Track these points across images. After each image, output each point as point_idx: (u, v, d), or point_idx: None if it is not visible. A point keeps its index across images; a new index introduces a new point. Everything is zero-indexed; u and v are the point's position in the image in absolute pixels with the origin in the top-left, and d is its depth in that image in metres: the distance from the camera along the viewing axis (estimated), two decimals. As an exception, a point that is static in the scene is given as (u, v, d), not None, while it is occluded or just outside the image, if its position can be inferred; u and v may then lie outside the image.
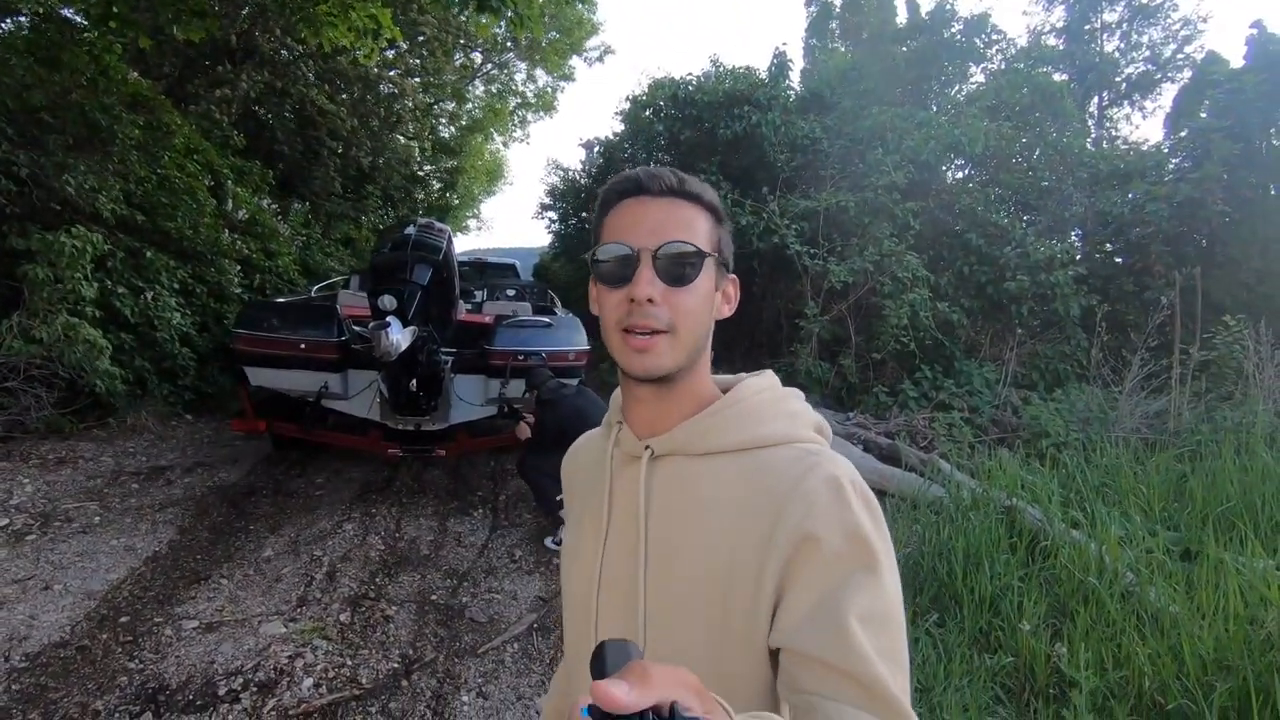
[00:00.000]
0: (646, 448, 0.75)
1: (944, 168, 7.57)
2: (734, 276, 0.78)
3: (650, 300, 0.68)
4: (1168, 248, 6.75)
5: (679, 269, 0.69)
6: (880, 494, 4.47)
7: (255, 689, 2.54)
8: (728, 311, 0.78)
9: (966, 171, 8.36)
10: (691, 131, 8.62)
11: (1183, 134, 8.17)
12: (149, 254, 5.99)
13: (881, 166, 6.79)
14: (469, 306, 6.35)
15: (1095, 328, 5.98)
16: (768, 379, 0.79)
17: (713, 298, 0.74)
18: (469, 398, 4.55)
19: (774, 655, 0.66)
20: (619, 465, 0.78)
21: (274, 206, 9.66)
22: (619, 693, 0.34)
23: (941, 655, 2.60)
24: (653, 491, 0.74)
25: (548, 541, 3.95)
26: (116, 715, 2.38)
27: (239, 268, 7.33)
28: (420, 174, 17.40)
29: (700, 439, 0.73)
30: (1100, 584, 2.77)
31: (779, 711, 0.70)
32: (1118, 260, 7.50)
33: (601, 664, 0.39)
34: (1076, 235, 7.90)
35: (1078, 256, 6.90)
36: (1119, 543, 3.08)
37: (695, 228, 0.72)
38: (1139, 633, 2.48)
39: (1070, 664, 2.35)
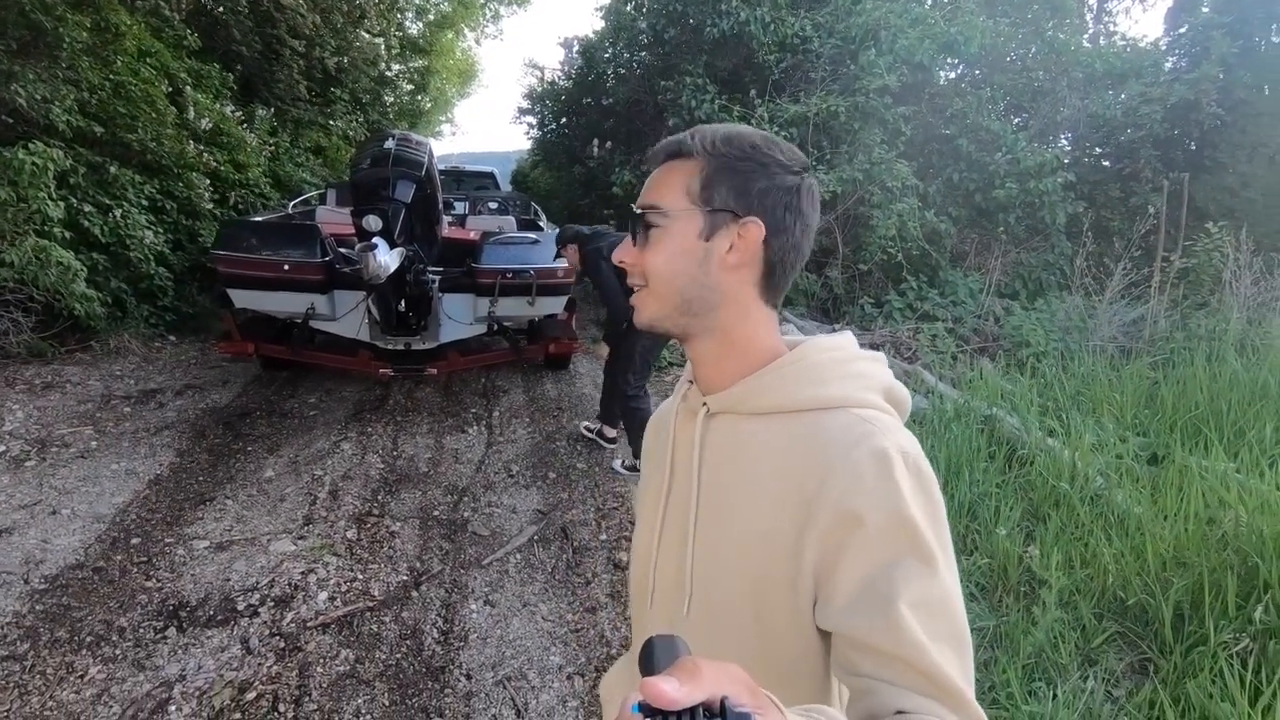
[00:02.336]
0: (704, 404, 0.75)
1: (937, 69, 7.31)
2: (753, 220, 0.69)
3: (622, 261, 0.75)
4: (1157, 152, 6.69)
5: (643, 229, 0.73)
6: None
7: (273, 603, 2.66)
8: (732, 260, 0.71)
9: (959, 71, 8.09)
10: (676, 29, 8.19)
11: (1182, 30, 7.92)
12: (113, 169, 5.71)
13: (874, 68, 6.55)
14: (451, 219, 6.21)
15: (1081, 235, 6.01)
16: (841, 339, 0.76)
17: (698, 250, 0.70)
18: (458, 316, 4.53)
19: (822, 631, 0.66)
20: (682, 421, 0.79)
21: (238, 114, 9.15)
22: (669, 688, 0.34)
23: (922, 558, 2.76)
24: (707, 449, 0.75)
25: (615, 464, 4.06)
26: (141, 630, 2.49)
27: (208, 181, 7.03)
28: (389, 75, 16.45)
29: (753, 397, 0.72)
30: (1071, 489, 2.93)
31: (829, 686, 0.72)
32: (1106, 164, 7.44)
33: (651, 660, 0.39)
34: (1066, 139, 7.78)
35: (1066, 161, 6.81)
36: (1091, 449, 3.23)
37: (674, 184, 0.71)
38: (1105, 534, 2.66)
39: (1040, 564, 2.52)
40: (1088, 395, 4.10)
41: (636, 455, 3.85)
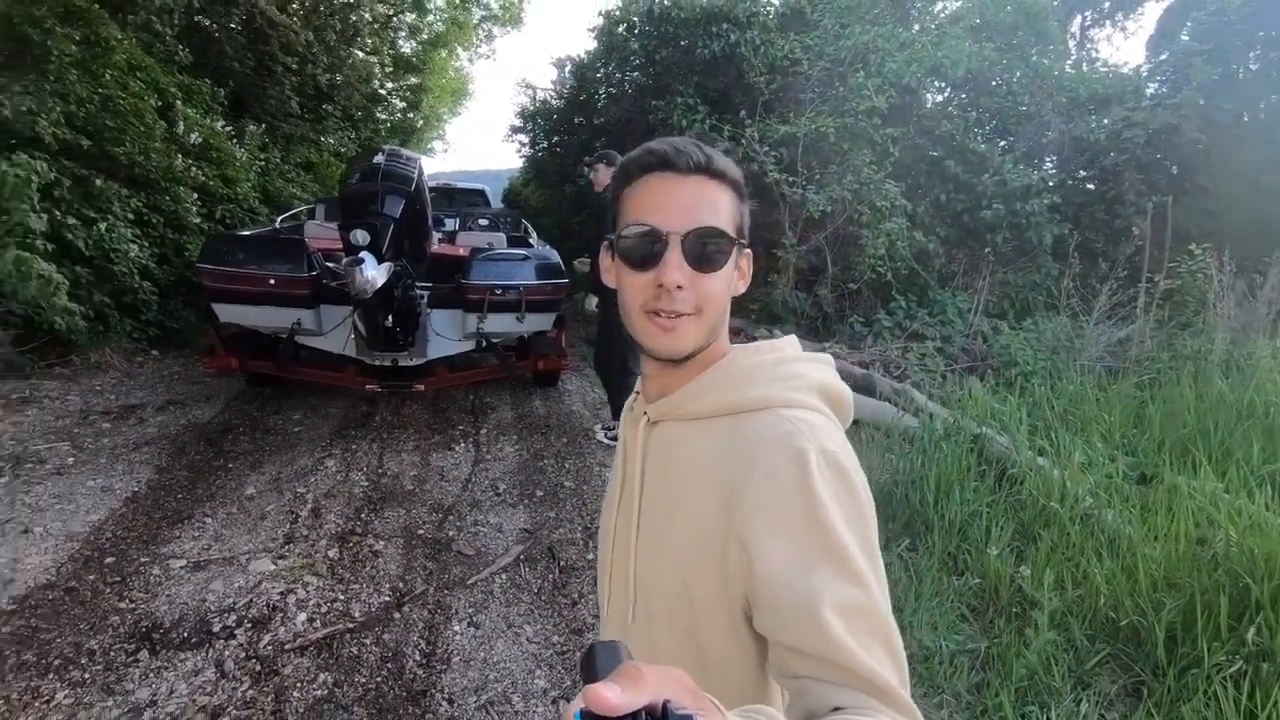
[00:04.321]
0: (644, 413, 0.77)
1: (925, 91, 7.42)
2: (749, 251, 0.77)
3: (679, 286, 0.68)
4: (1140, 175, 6.79)
5: (707, 254, 0.69)
6: (855, 424, 4.59)
7: (250, 625, 2.59)
8: (743, 287, 0.77)
9: (946, 94, 8.21)
10: (668, 50, 8.27)
11: (1163, 57, 8.09)
12: (98, 182, 5.66)
13: (863, 90, 6.63)
14: (441, 235, 6.19)
15: (1067, 256, 6.06)
16: (782, 342, 0.78)
17: (731, 278, 0.74)
18: (446, 333, 4.49)
19: (759, 634, 0.67)
20: (629, 430, 0.81)
21: (228, 129, 9.13)
22: (611, 695, 0.34)
23: (913, 578, 2.74)
24: (650, 456, 0.76)
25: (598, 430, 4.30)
26: (112, 653, 2.41)
27: (196, 196, 6.98)
28: (382, 92, 16.53)
29: (686, 403, 0.73)
30: (1062, 508, 2.92)
31: (767, 689, 0.73)
32: (1090, 187, 7.54)
33: (593, 666, 0.39)
34: (1051, 162, 7.89)
35: (1051, 183, 6.90)
36: (1080, 468, 3.23)
37: (720, 209, 0.71)
38: (1096, 554, 2.64)
39: (1032, 585, 2.50)
40: (1076, 414, 4.10)
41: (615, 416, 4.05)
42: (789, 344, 0.78)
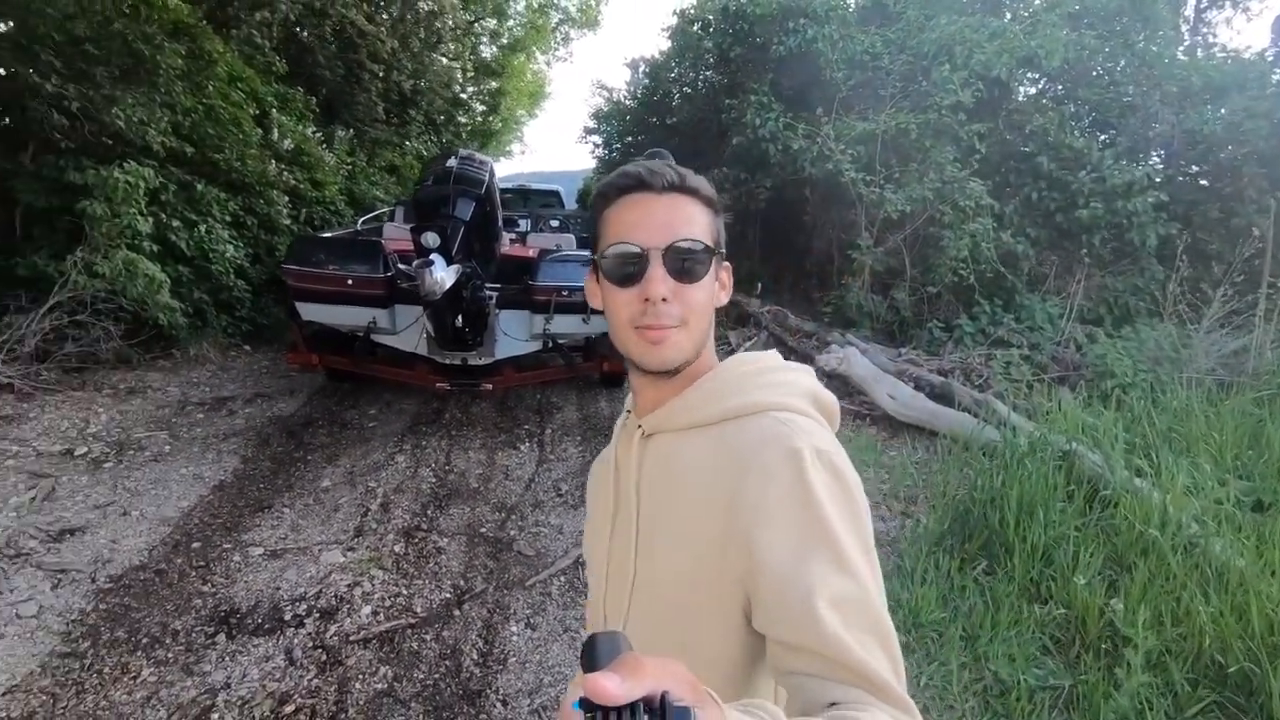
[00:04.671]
0: (639, 427, 0.79)
1: (1016, 84, 6.99)
2: (727, 264, 0.80)
3: (664, 299, 0.70)
4: (1263, 170, 6.18)
5: (688, 266, 0.72)
6: (930, 435, 4.37)
7: (318, 615, 2.68)
8: (724, 299, 0.79)
9: (1040, 86, 7.73)
10: (743, 48, 8.14)
11: (1292, 40, 7.35)
12: (200, 187, 6.06)
13: (948, 84, 6.31)
14: (513, 236, 6.30)
15: (1174, 258, 5.59)
16: (765, 354, 0.80)
17: (713, 289, 0.76)
18: (514, 333, 4.55)
19: (756, 639, 0.68)
20: (622, 448, 0.82)
21: (318, 134, 9.61)
22: (610, 685, 0.34)
23: (989, 604, 2.57)
24: (645, 470, 0.78)
25: None
26: (193, 635, 2.55)
27: (287, 198, 7.39)
28: (463, 97, 17.06)
29: (680, 413, 0.75)
30: (1162, 536, 2.67)
31: (763, 694, 0.73)
32: (1204, 184, 6.93)
33: (593, 656, 0.40)
34: (1159, 156, 7.29)
35: (1158, 180, 6.37)
36: (1185, 492, 2.95)
37: (696, 223, 0.74)
38: (1201, 589, 2.40)
39: (1125, 620, 2.29)
40: (1181, 432, 3.76)
41: None
42: (773, 355, 0.80)
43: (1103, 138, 7.01)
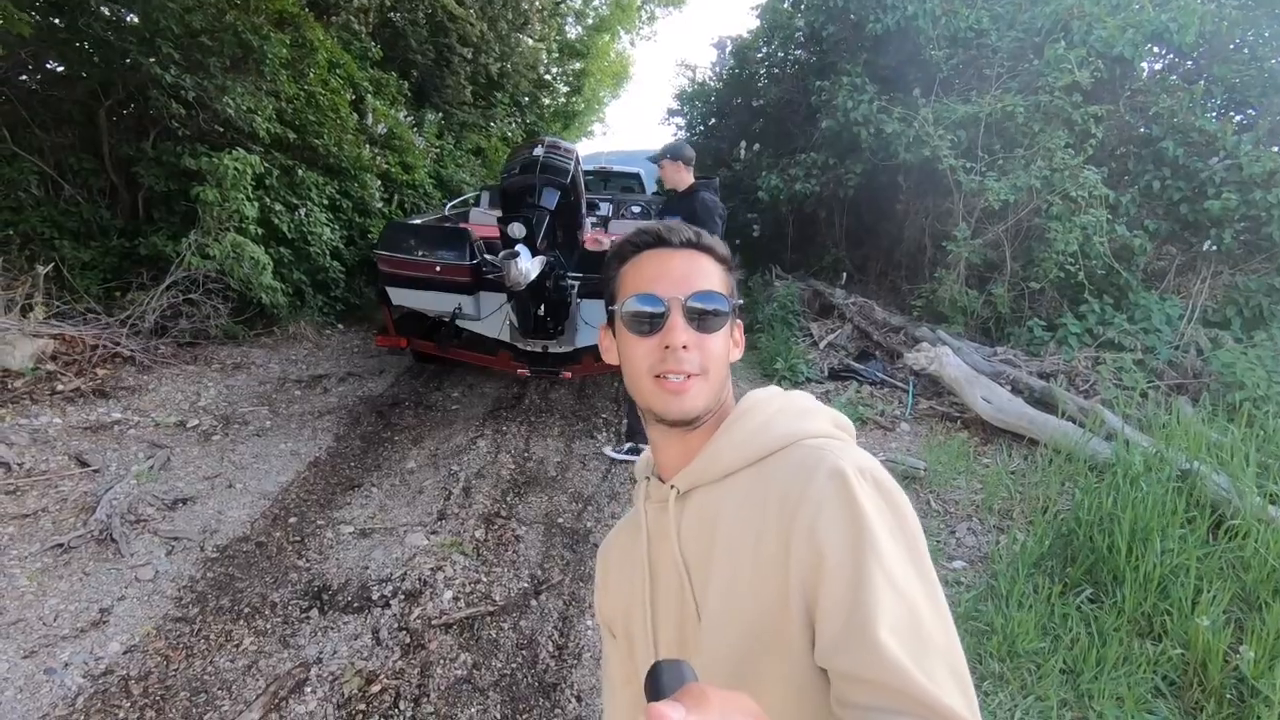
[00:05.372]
0: (672, 487, 0.77)
1: (1140, 61, 6.40)
2: (739, 321, 0.82)
3: (685, 346, 0.72)
4: None
5: (708, 316, 0.74)
6: (1029, 444, 4.11)
7: (403, 596, 2.77)
8: (737, 354, 0.81)
9: (1168, 63, 7.05)
10: (836, 26, 7.79)
11: None
12: (300, 172, 6.33)
13: (1062, 63, 5.84)
14: (594, 220, 6.30)
15: (1320, 257, 5.02)
16: (773, 390, 0.81)
17: (729, 342, 0.78)
18: (595, 322, 4.55)
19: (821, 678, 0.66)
20: (654, 517, 0.80)
21: (409, 118, 9.88)
22: (676, 716, 0.34)
23: (1094, 637, 2.38)
24: (684, 531, 0.76)
25: (609, 450, 4.13)
26: (289, 608, 2.69)
27: (379, 182, 7.64)
28: (547, 78, 17.18)
29: (715, 461, 0.74)
30: (1301, 575, 2.41)
31: None
32: (1360, 171, 6.17)
33: (658, 686, 0.39)
34: (1306, 140, 6.55)
35: (1306, 166, 5.71)
36: (1329, 526, 2.65)
37: (714, 278, 0.77)
38: (1349, 640, 2.15)
39: (1255, 669, 2.08)
40: (1324, 455, 3.39)
41: (632, 436, 4.05)
42: (776, 389, 0.81)
43: (1239, 119, 6.34)
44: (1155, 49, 6.62)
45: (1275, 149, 5.66)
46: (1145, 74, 6.64)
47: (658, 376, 0.73)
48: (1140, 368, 4.76)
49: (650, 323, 0.73)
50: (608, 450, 4.16)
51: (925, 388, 5.10)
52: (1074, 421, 4.04)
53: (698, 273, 0.75)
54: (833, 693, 0.62)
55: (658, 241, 0.77)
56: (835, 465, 0.65)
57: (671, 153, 3.80)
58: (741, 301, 0.81)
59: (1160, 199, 5.86)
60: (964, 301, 6.05)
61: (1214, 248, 5.54)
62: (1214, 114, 6.10)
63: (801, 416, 0.75)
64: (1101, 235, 5.42)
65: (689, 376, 0.72)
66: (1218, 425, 3.74)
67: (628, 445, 4.10)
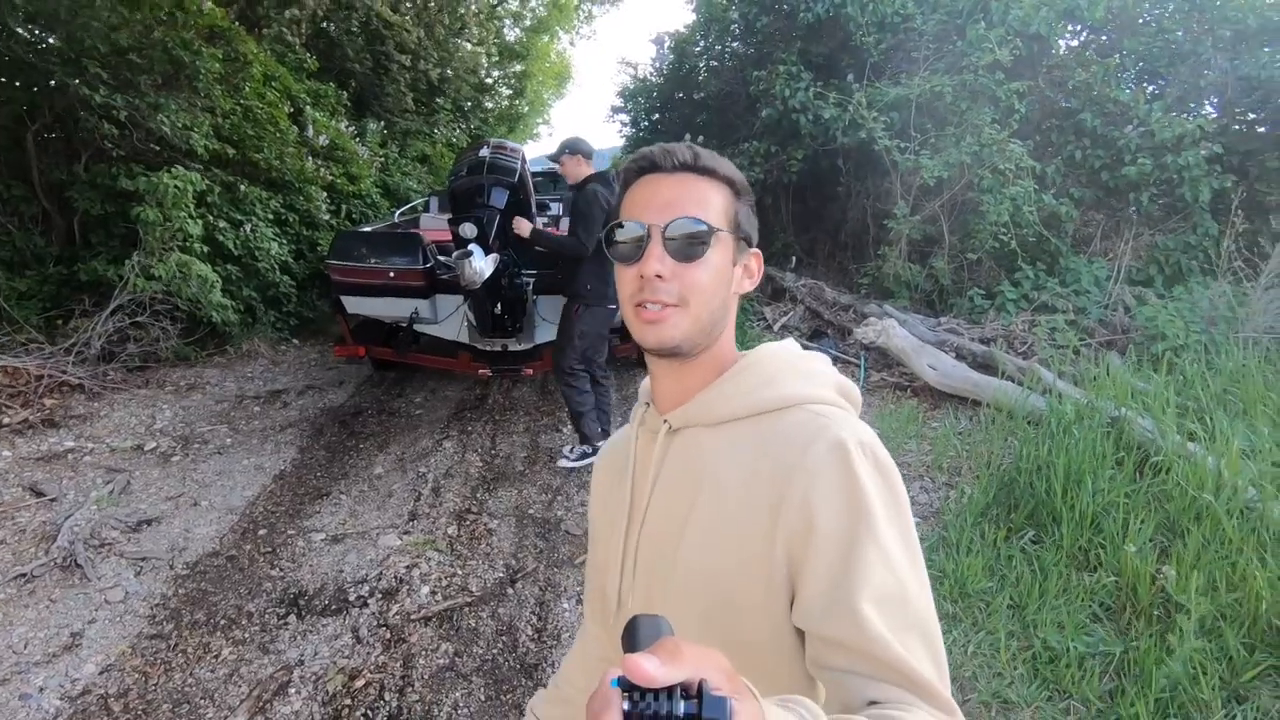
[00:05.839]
0: (665, 422, 0.77)
1: (1056, 38, 6.72)
2: (757, 251, 0.79)
3: (659, 276, 0.70)
4: (1326, 115, 5.87)
5: (688, 245, 0.70)
6: (974, 405, 4.33)
7: (380, 595, 2.81)
8: (749, 286, 0.78)
9: (1083, 39, 7.41)
10: (769, 17, 7.98)
11: (1358, -28, 6.89)
12: (243, 187, 6.24)
13: (984, 43, 6.11)
14: (546, 220, 6.34)
15: (1229, 213, 5.36)
16: (786, 343, 0.79)
17: (730, 273, 0.74)
18: (552, 318, 4.61)
19: (798, 635, 0.67)
20: (643, 444, 0.81)
21: (351, 128, 9.76)
22: (650, 667, 0.35)
23: (1037, 573, 2.56)
24: (668, 466, 0.77)
25: (564, 459, 3.98)
26: (266, 616, 2.70)
27: (325, 194, 7.55)
28: (488, 82, 17.08)
29: (712, 407, 0.74)
30: (1216, 501, 2.63)
31: (814, 690, 0.72)
32: (1261, 131, 6.60)
33: (634, 638, 0.40)
34: (1212, 105, 6.96)
35: (1212, 130, 6.09)
36: (1241, 456, 2.88)
37: (708, 203, 0.72)
38: (1258, 554, 2.36)
39: (1177, 587, 2.28)
40: (1237, 395, 3.66)
41: (585, 441, 3.89)
42: (793, 344, 0.80)
43: (1151, 89, 6.72)
44: (1070, 26, 6.96)
45: (1184, 115, 6.03)
46: (1062, 50, 6.98)
47: (638, 305, 0.72)
48: (1073, 327, 5.03)
49: (631, 251, 0.71)
50: (563, 462, 3.98)
51: (876, 360, 5.30)
52: (1014, 381, 4.27)
53: (687, 199, 0.71)
54: (809, 652, 0.64)
55: (651, 167, 0.74)
56: (837, 437, 0.65)
57: (570, 148, 3.75)
58: (750, 233, 0.77)
59: (1083, 168, 6.18)
60: (908, 276, 6.28)
61: (1134, 211, 5.87)
62: (1127, 85, 6.45)
63: (808, 378, 0.74)
64: (1030, 205, 5.69)
65: (665, 306, 0.70)
66: (1143, 374, 4.00)
67: (580, 450, 3.97)
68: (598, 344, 3.85)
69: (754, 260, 0.78)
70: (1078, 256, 5.91)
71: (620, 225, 0.73)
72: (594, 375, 3.91)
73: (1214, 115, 6.52)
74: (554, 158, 3.86)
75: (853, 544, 0.61)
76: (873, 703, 0.56)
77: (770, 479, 0.67)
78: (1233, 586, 2.29)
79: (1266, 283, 4.63)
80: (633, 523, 0.80)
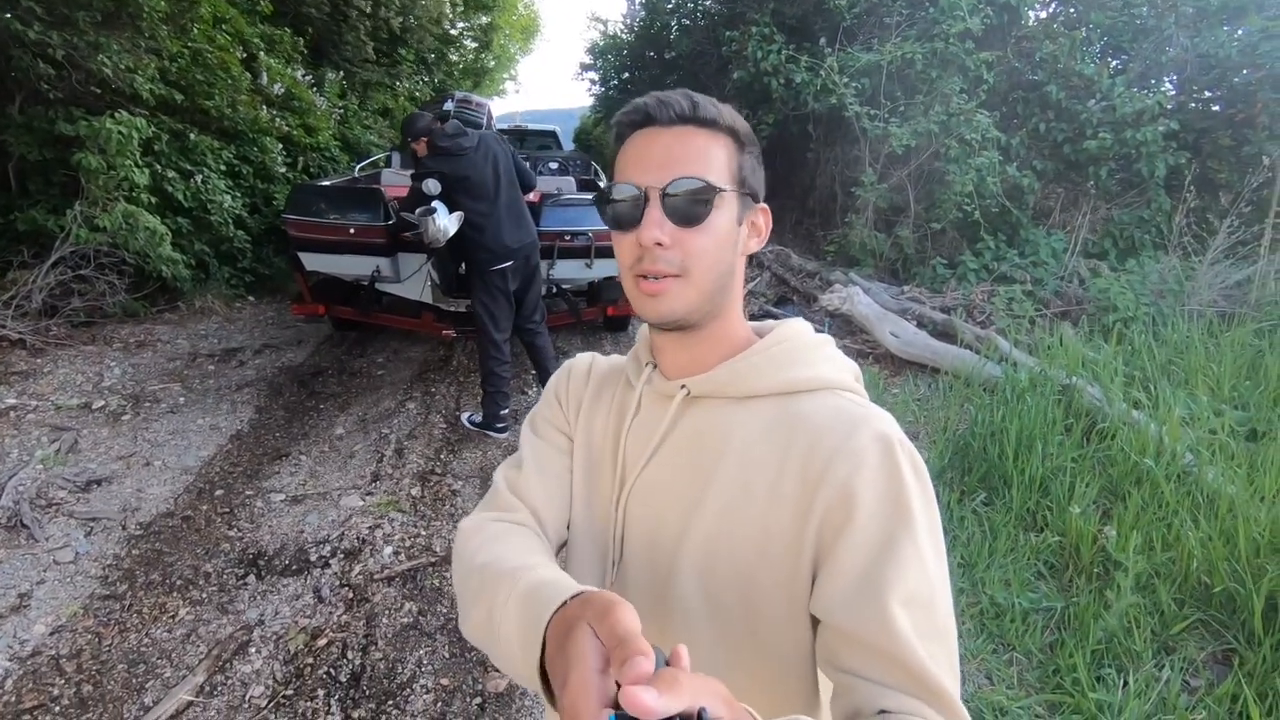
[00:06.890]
0: (682, 387, 0.72)
1: (1026, 9, 6.75)
2: (764, 206, 0.73)
3: (659, 244, 0.64)
4: (1277, 95, 6.03)
5: (690, 208, 0.64)
6: (933, 372, 4.43)
7: (342, 555, 2.79)
8: (756, 246, 0.73)
9: (1051, 10, 7.46)
10: (742, -25, 7.85)
11: (1316, -46, 7.03)
12: (193, 136, 5.95)
13: (955, 11, 6.10)
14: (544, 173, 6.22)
15: (1182, 189, 5.52)
16: (804, 323, 0.76)
17: (735, 233, 0.69)
18: (518, 279, 4.55)
19: (813, 621, 0.64)
20: (650, 404, 0.75)
21: (308, 78, 9.35)
22: (648, 698, 0.34)
23: (987, 534, 2.66)
24: (676, 431, 0.72)
25: (465, 417, 3.96)
26: (225, 576, 2.67)
27: (281, 146, 7.25)
28: (453, 33, 16.47)
29: (742, 380, 0.70)
30: (1156, 465, 2.75)
31: (818, 681, 0.69)
32: (1216, 109, 6.77)
33: None
34: (1171, 82, 7.10)
35: (1170, 107, 6.22)
36: (1181, 423, 3.02)
37: (710, 158, 0.65)
38: (1192, 515, 2.49)
39: (1117, 546, 2.39)
40: (1181, 364, 3.81)
41: (492, 416, 3.83)
42: (805, 324, 0.76)
43: (1115, 63, 6.82)
44: (1040, -3, 6.99)
45: (1144, 91, 6.14)
46: (1031, 21, 7.02)
47: (639, 276, 0.66)
48: (1030, 298, 5.16)
49: (628, 215, 0.65)
50: (464, 417, 3.98)
51: (839, 327, 5.37)
52: (972, 349, 4.38)
53: (687, 155, 0.65)
54: (821, 648, 0.62)
55: (646, 119, 0.67)
56: (882, 430, 0.63)
57: (413, 131, 3.58)
58: (756, 187, 0.71)
59: (1046, 140, 6.28)
60: (873, 245, 6.35)
61: (1093, 185, 6.00)
62: (1092, 59, 6.53)
63: (832, 363, 0.72)
64: (994, 176, 5.78)
65: (665, 277, 0.65)
66: (1094, 345, 4.14)
67: (480, 417, 3.91)
68: (506, 304, 3.76)
69: (761, 216, 0.73)
70: (1037, 229, 6.04)
71: (614, 186, 0.67)
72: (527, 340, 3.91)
73: (1173, 92, 6.66)
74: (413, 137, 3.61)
75: (890, 540, 0.58)
76: (883, 711, 0.53)
77: (806, 459, 0.64)
78: (1167, 546, 2.42)
79: (1212, 258, 4.80)
80: (625, 482, 0.75)
